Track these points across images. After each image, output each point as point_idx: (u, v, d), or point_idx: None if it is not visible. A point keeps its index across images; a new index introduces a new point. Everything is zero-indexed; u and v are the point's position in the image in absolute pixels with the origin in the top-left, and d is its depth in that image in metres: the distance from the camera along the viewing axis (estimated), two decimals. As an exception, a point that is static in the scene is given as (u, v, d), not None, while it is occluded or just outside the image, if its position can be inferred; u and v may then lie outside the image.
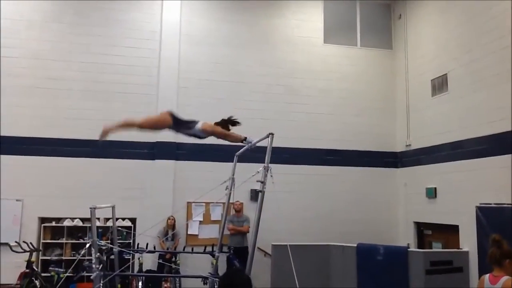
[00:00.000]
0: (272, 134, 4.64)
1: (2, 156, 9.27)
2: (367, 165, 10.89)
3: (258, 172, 4.56)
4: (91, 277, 4.73)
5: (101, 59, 10.01)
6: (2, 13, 9.61)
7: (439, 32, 9.76)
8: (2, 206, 9.02)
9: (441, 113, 9.38)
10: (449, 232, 8.89)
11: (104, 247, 6.72)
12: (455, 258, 8.13)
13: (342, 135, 10.86)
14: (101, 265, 4.99)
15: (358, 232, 9.79)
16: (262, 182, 4.38)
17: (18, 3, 9.79)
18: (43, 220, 9.46)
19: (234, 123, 5.22)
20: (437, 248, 9.35)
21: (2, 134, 9.34)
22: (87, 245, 4.96)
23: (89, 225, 6.05)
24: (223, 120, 5.26)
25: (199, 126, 4.93)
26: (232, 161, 7.01)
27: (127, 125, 4.85)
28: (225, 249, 8.39)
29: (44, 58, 9.78)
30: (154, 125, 5.18)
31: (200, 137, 5.17)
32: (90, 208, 4.88)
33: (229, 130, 5.17)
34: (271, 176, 4.48)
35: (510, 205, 7.20)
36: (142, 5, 10.40)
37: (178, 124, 4.94)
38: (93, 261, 4.70)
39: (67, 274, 7.46)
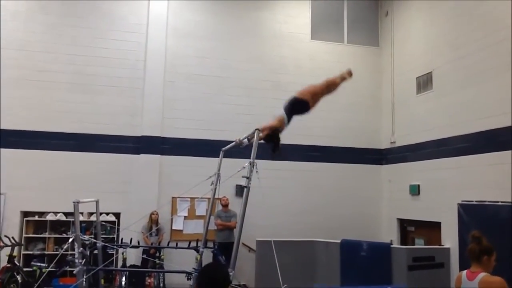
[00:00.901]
0: (258, 129, 4.63)
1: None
2: (352, 161, 10.97)
3: (244, 167, 4.56)
4: (74, 272, 4.69)
5: (87, 52, 9.88)
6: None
7: (426, 30, 9.84)
8: (-17, 199, 8.87)
9: (426, 111, 9.48)
10: (432, 229, 9.01)
11: (87, 242, 6.66)
12: (437, 254, 8.26)
13: (328, 132, 10.91)
14: (84, 260, 4.95)
15: (342, 228, 9.86)
16: (247, 178, 4.38)
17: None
18: (25, 214, 9.32)
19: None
20: (419, 244, 9.47)
21: (-17, 127, 9.19)
22: (70, 240, 4.91)
23: (73, 219, 6.01)
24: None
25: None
26: (218, 156, 7.01)
27: None
28: (209, 244, 8.39)
29: (30, 50, 9.60)
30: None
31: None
32: (74, 202, 4.83)
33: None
34: (257, 171, 4.49)
35: (491, 203, 7.33)
36: (128, -3, 10.30)
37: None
38: (76, 256, 4.66)
39: (50, 268, 7.42)
